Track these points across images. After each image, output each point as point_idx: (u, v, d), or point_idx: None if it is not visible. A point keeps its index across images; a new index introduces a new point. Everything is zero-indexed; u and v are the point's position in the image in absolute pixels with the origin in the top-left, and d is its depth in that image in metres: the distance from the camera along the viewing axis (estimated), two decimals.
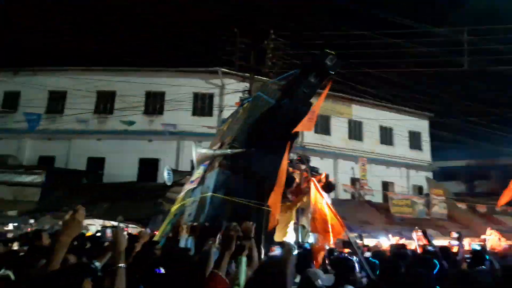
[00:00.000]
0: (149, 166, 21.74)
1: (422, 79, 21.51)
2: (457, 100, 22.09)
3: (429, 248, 6.45)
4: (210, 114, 22.44)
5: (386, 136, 25.96)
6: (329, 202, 5.08)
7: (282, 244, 4.54)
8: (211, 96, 22.55)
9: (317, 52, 8.05)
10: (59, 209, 16.79)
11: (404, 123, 25.99)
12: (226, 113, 20.38)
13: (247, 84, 17.16)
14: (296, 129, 6.38)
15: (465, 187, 32.71)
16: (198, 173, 7.20)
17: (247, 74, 17.88)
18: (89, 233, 11.95)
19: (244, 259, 3.10)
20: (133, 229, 14.18)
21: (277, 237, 6.50)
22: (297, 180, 7.59)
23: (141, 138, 21.72)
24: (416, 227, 7.83)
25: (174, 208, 7.55)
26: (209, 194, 6.51)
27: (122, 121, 20.67)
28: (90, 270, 3.27)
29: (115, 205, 18.22)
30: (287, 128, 6.69)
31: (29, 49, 24.78)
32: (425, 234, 6.85)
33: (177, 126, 20.38)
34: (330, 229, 4.69)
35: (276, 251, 5.26)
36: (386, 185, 24.93)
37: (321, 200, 4.94)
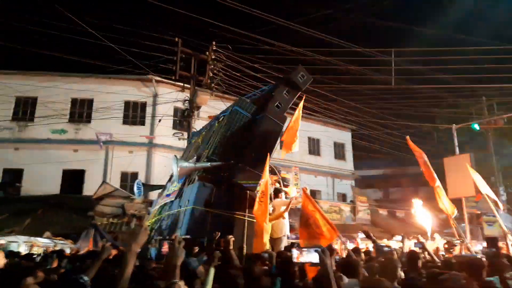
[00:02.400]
0: (73, 178, 20.42)
1: (348, 95, 23.08)
2: (378, 114, 24.10)
3: (385, 248, 6.61)
4: (142, 123, 21.78)
5: (314, 146, 27.38)
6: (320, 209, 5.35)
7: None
8: (143, 105, 21.90)
9: (289, 69, 8.44)
10: None
11: (330, 135, 27.61)
12: (163, 123, 19.98)
13: (187, 94, 16.91)
14: (285, 150, 6.62)
15: (382, 194, 35.57)
16: (174, 186, 7.08)
17: (184, 84, 17.58)
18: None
19: (212, 270, 3.38)
20: (63, 245, 13.25)
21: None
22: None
23: (66, 148, 20.37)
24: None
25: (148, 222, 7.32)
26: (190, 207, 6.47)
27: (53, 130, 19.23)
28: (79, 285, 3.14)
29: (38, 219, 16.86)
30: (264, 141, 6.91)
31: None
32: (368, 236, 6.70)
33: (112, 135, 19.39)
34: (325, 233, 4.93)
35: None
36: (313, 193, 26.14)
37: (312, 208, 5.21)
